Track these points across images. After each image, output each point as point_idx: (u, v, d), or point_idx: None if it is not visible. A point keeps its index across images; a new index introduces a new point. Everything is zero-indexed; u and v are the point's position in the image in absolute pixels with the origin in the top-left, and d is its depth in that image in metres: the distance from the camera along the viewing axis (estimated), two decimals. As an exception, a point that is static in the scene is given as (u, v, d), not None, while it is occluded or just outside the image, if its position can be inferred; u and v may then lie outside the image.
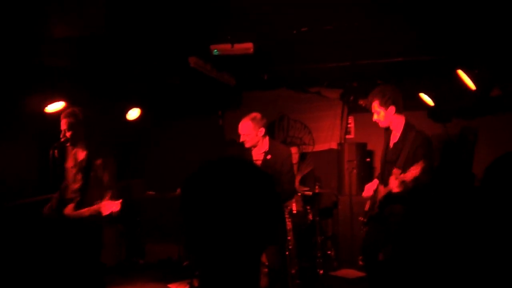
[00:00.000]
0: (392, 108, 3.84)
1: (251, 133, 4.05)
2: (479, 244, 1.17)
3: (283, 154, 4.11)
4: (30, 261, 4.54)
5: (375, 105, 3.90)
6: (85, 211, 3.97)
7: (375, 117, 3.94)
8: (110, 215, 3.88)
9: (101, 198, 3.96)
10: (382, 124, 3.94)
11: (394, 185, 3.63)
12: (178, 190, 6.22)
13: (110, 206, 3.88)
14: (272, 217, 1.11)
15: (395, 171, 3.70)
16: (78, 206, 4.05)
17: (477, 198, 1.18)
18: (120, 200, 3.91)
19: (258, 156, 4.08)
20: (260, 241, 1.11)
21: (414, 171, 3.44)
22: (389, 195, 3.83)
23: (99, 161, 4.11)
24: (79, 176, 4.11)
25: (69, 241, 4.10)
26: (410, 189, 3.61)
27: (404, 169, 3.64)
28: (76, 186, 4.12)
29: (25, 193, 4.86)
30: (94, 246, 4.22)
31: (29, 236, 4.66)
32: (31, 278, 4.47)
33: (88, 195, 4.04)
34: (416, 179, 3.46)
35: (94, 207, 3.92)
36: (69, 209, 4.10)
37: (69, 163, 4.17)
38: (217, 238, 1.07)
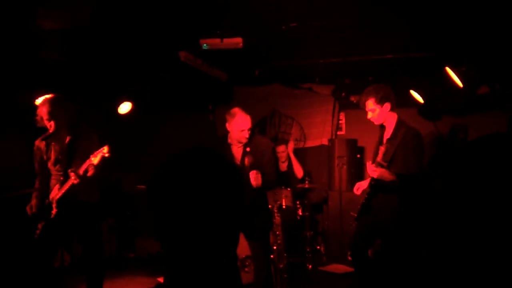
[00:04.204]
0: (387, 105, 3.89)
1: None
2: (467, 238, 1.15)
3: (262, 145, 4.12)
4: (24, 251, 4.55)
5: (370, 103, 3.92)
6: (69, 181, 3.94)
7: (369, 115, 3.97)
8: (102, 160, 3.80)
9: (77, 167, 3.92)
10: (377, 122, 4.00)
11: (370, 169, 3.81)
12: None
13: (97, 153, 3.81)
14: (237, 208, 1.12)
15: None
16: (62, 184, 4.06)
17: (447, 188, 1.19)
18: (106, 146, 3.81)
19: (237, 148, 4.10)
20: (229, 232, 1.11)
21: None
22: (371, 183, 3.95)
23: (80, 140, 4.11)
24: (63, 159, 4.11)
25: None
26: (396, 182, 3.71)
27: (391, 163, 3.75)
28: (60, 169, 4.12)
29: (15, 186, 4.85)
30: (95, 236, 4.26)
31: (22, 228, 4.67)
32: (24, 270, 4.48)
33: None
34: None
35: (71, 176, 3.87)
36: (54, 192, 4.10)
37: (52, 152, 4.16)
38: (186, 231, 1.08)
